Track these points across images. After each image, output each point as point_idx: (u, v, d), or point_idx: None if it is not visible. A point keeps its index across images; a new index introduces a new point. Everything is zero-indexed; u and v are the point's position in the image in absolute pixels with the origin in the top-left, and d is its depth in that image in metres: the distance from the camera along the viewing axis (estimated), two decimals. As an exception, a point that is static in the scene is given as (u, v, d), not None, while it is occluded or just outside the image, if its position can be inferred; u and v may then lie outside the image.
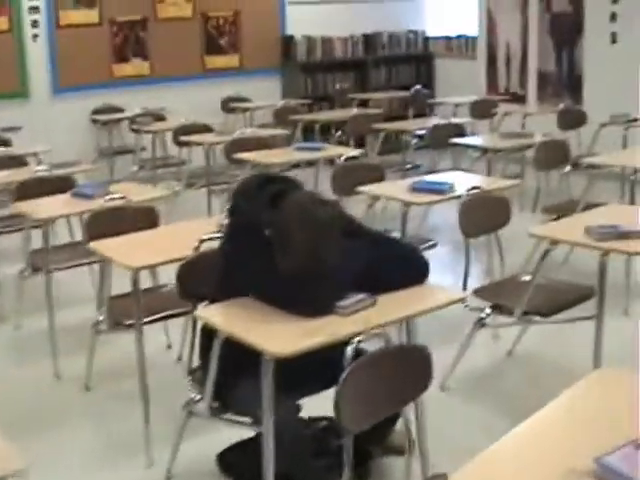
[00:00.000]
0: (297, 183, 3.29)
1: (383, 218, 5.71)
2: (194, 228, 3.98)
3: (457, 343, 4.33)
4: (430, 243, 5.15)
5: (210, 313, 3.01)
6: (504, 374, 4.55)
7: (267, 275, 2.94)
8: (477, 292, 4.22)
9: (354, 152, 5.97)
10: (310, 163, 7.13)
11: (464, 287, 4.38)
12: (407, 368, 2.62)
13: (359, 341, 2.67)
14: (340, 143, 8.54)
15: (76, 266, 4.88)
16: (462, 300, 3.00)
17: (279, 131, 8.15)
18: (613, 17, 8.99)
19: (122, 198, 4.70)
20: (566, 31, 9.45)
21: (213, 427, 3.59)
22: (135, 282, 3.69)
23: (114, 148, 9.38)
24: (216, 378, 3.09)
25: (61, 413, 4.30)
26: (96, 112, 9.45)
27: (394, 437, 3.50)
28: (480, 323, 4.17)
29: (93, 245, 3.97)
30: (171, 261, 3.67)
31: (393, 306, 2.94)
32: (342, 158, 5.74)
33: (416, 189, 4.65)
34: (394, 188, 4.77)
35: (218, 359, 3.01)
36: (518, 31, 9.95)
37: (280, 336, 2.75)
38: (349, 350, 2.66)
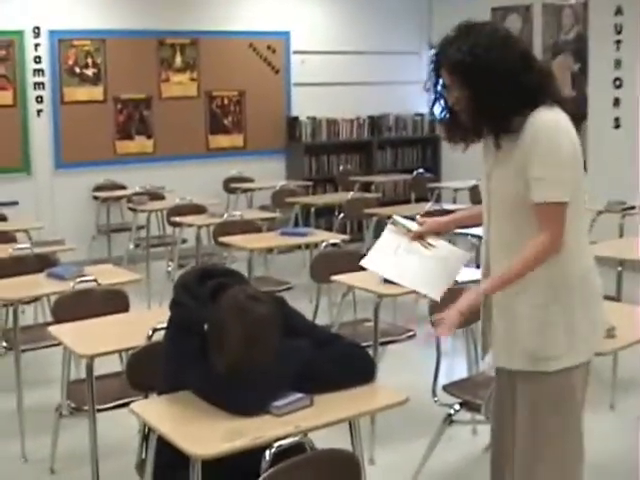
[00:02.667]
0: (239, 276, 3.24)
1: (361, 306, 5.65)
2: (163, 314, 3.92)
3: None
4: (408, 334, 5.07)
5: (143, 409, 2.95)
6: (478, 472, 4.40)
7: (202, 372, 2.88)
8: (446, 388, 4.12)
9: (337, 239, 5.91)
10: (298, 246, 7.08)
11: (435, 381, 4.28)
12: (332, 477, 2.53)
13: (279, 446, 2.56)
14: (342, 226, 8.58)
15: (45, 347, 4.80)
16: (403, 403, 2.89)
17: (269, 214, 8.17)
18: (617, 102, 9.00)
19: (93, 281, 4.65)
20: (570, 116, 9.40)
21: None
22: (89, 369, 3.64)
23: (112, 225, 9.40)
24: (156, 472, 3.00)
25: None
26: (97, 189, 9.49)
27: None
28: (449, 419, 4.06)
29: (52, 329, 3.93)
30: (125, 349, 3.62)
31: (330, 407, 2.86)
32: (323, 245, 5.68)
33: (389, 280, 4.56)
34: (369, 278, 4.69)
35: (157, 453, 2.93)
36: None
37: (205, 436, 2.68)
38: (267, 455, 2.56)
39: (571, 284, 2.89)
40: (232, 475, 2.76)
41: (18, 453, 4.66)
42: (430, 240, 3.24)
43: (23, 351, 4.79)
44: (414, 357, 5.63)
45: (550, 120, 2.78)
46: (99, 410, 3.82)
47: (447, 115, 2.97)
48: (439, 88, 2.95)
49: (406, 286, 3.29)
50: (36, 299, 5.78)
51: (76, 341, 3.78)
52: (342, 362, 3.01)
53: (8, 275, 5.04)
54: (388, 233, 3.31)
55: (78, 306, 4.39)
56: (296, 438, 2.62)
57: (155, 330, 3.53)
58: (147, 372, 3.34)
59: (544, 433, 2.93)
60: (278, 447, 2.57)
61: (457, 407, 4.02)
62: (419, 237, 3.26)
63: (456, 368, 5.12)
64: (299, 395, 2.85)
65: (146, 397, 3.41)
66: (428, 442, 4.18)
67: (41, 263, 5.32)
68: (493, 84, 2.77)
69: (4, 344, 5.09)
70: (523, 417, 2.98)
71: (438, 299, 3.12)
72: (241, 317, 2.82)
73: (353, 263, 5.27)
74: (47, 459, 4.50)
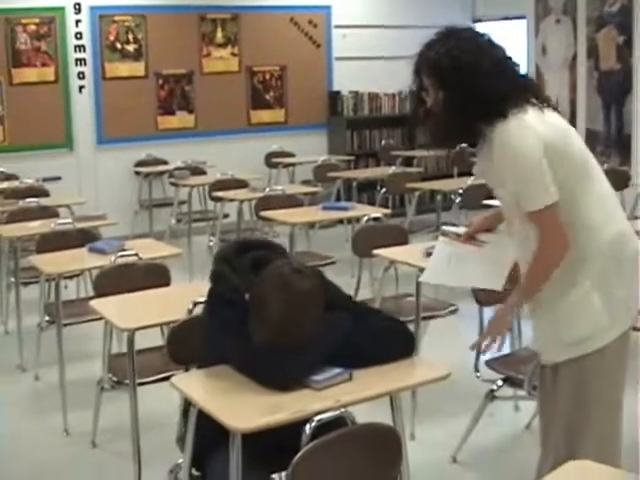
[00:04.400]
0: (281, 249, 3.21)
1: (403, 281, 5.60)
2: (205, 288, 3.91)
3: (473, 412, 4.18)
4: (450, 309, 5.02)
5: (184, 383, 2.93)
6: (520, 448, 4.36)
7: (242, 345, 2.86)
8: (489, 363, 4.06)
9: (378, 213, 5.86)
10: (341, 221, 7.05)
11: (477, 357, 4.24)
12: (372, 451, 2.49)
13: (319, 420, 2.53)
14: (383, 201, 8.53)
15: (86, 321, 4.82)
16: (445, 378, 2.85)
17: (311, 188, 8.12)
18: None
19: (134, 255, 4.65)
20: (615, 89, 9.29)
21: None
22: (130, 343, 3.64)
23: (154, 200, 9.41)
24: (196, 446, 2.99)
25: (65, 469, 4.31)
26: (139, 164, 9.52)
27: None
28: (491, 395, 4.01)
29: (93, 303, 3.93)
30: (166, 323, 3.61)
31: (370, 382, 2.82)
32: (365, 219, 5.63)
33: (432, 254, 4.52)
34: (410, 252, 4.64)
35: (197, 427, 2.92)
36: (566, 89, 9.80)
37: (245, 410, 2.66)
38: (307, 429, 2.53)
39: (601, 253, 2.86)
40: (272, 450, 2.74)
41: (60, 427, 4.69)
42: (481, 237, 3.29)
43: (65, 325, 4.81)
44: (456, 332, 5.57)
45: (512, 131, 2.80)
46: (140, 384, 3.83)
47: (427, 118, 3.02)
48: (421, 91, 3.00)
49: (470, 287, 3.57)
50: (78, 274, 5.79)
51: (117, 315, 3.78)
52: (381, 337, 2.96)
53: (50, 250, 5.08)
54: (440, 244, 3.41)
55: (119, 280, 4.39)
56: (336, 412, 2.59)
57: (196, 303, 3.50)
58: (188, 346, 3.33)
59: (587, 408, 2.89)
60: (319, 421, 2.54)
61: (500, 383, 3.98)
62: (470, 238, 3.29)
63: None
64: (338, 370, 2.81)
65: (187, 371, 3.40)
66: (469, 418, 4.16)
67: (83, 238, 5.33)
68: (464, 87, 2.83)
69: (47, 318, 5.11)
70: (566, 395, 2.93)
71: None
72: (285, 290, 2.79)
73: (395, 237, 5.29)
74: (89, 432, 4.52)
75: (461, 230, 3.38)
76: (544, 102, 2.92)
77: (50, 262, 4.80)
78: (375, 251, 4.83)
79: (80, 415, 4.67)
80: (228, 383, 2.84)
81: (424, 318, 4.71)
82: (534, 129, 2.81)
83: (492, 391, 4.00)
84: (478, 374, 4.12)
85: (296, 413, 2.55)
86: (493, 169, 2.91)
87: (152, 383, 3.96)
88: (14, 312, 5.85)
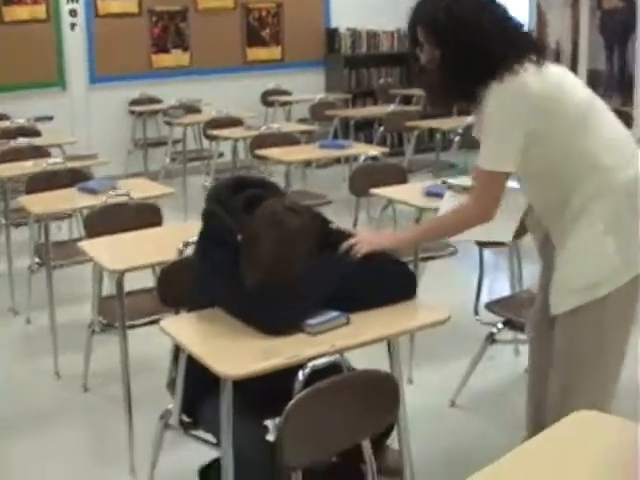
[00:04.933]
0: (276, 188, 3.08)
1: (402, 220, 5.49)
2: (197, 228, 3.80)
3: (473, 354, 4.09)
4: (450, 250, 4.91)
5: (173, 326, 2.81)
6: (520, 392, 4.25)
7: (234, 288, 2.74)
8: (489, 306, 3.96)
9: (376, 151, 5.72)
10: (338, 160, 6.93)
11: (477, 299, 4.14)
12: (368, 398, 2.39)
13: (314, 365, 2.42)
14: (381, 139, 8.40)
15: (77, 263, 4.72)
16: (445, 321, 2.74)
17: (307, 127, 7.97)
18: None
19: (125, 195, 4.53)
20: (618, 28, 9.08)
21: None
22: (119, 285, 3.53)
23: (149, 139, 9.26)
24: (187, 392, 2.91)
25: (56, 413, 4.23)
26: (133, 103, 9.36)
27: (388, 456, 3.26)
28: (491, 339, 3.92)
29: (82, 244, 3.81)
30: (157, 264, 3.51)
31: (367, 326, 2.70)
32: (362, 158, 5.50)
33: (431, 193, 4.40)
34: (409, 191, 4.52)
35: (187, 373, 2.84)
36: (568, 28, 9.59)
37: (236, 356, 2.55)
38: (300, 376, 2.42)
39: (614, 194, 2.73)
40: (264, 396, 2.65)
41: (51, 370, 4.61)
42: None
43: (55, 267, 4.71)
44: (455, 274, 5.48)
45: (504, 93, 2.66)
46: (130, 327, 3.73)
47: (421, 76, 2.90)
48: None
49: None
50: (69, 214, 5.67)
51: (106, 256, 3.67)
52: (382, 278, 2.84)
53: (40, 190, 4.95)
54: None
55: (110, 221, 4.28)
56: (331, 358, 2.48)
57: (187, 244, 3.39)
58: (178, 287, 3.22)
59: (587, 352, 2.79)
60: (312, 367, 2.43)
61: (500, 326, 3.89)
62: None
63: (499, 286, 4.96)
64: (335, 313, 2.70)
65: (177, 313, 3.29)
66: (468, 361, 4.07)
67: (74, 178, 5.18)
68: (462, 46, 2.71)
69: (37, 260, 5.01)
70: (569, 344, 2.83)
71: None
72: (276, 228, 2.67)
73: (393, 176, 5.16)
74: (80, 376, 4.44)
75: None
76: (545, 57, 2.77)
77: (39, 202, 4.67)
78: (373, 190, 4.71)
79: (71, 358, 4.58)
80: (219, 327, 2.73)
81: (422, 259, 4.59)
82: (527, 93, 2.67)
83: (492, 334, 3.91)
84: (478, 317, 4.03)
85: (290, 359, 2.44)
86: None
87: (143, 326, 3.86)
88: (5, 254, 5.74)
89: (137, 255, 3.71)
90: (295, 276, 2.68)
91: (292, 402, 2.26)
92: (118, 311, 3.59)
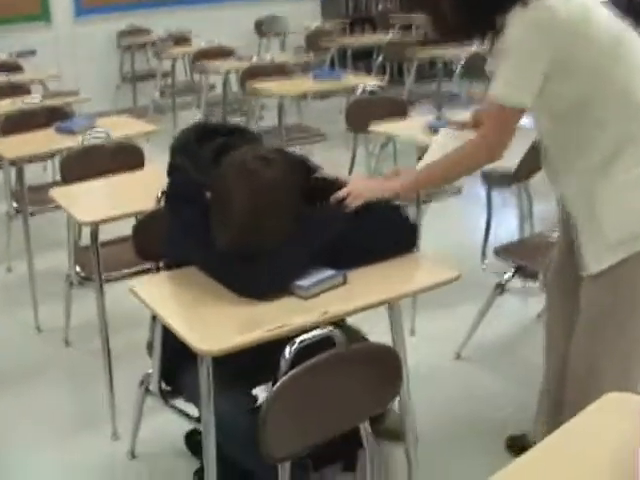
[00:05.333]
0: (252, 135, 2.74)
1: (403, 158, 5.17)
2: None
3: (480, 304, 3.79)
4: (453, 189, 4.59)
5: (145, 289, 2.48)
6: (529, 343, 3.99)
7: (207, 249, 2.43)
8: (498, 252, 3.66)
9: (375, 81, 5.37)
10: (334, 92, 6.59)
11: (485, 244, 3.84)
12: (366, 377, 2.08)
13: (302, 341, 2.11)
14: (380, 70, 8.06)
15: (54, 209, 4.41)
16: (453, 280, 2.44)
17: (302, 57, 7.60)
18: None
19: (104, 135, 4.20)
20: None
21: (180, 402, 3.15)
22: (94, 237, 3.23)
23: (138, 73, 8.89)
24: (165, 359, 2.64)
25: (37, 369, 4.00)
26: (121, 35, 8.96)
27: (390, 419, 3.00)
28: (500, 289, 3.63)
29: (53, 192, 3.49)
30: (133, 214, 3.19)
31: (365, 287, 2.39)
32: (360, 89, 5.15)
33: (434, 128, 4.07)
34: (410, 126, 4.20)
35: (164, 338, 2.56)
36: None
37: (215, 328, 2.23)
38: (286, 353, 2.10)
39: None
40: (253, 361, 2.35)
41: (32, 323, 4.38)
42: None
43: (32, 214, 4.40)
44: (460, 216, 5.16)
45: (527, 14, 2.30)
46: (108, 280, 3.46)
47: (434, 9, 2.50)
48: None
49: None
50: (50, 155, 5.34)
51: (79, 205, 3.36)
52: (378, 229, 2.54)
53: (16, 131, 4.61)
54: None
55: (87, 164, 3.97)
56: (324, 330, 2.14)
57: (164, 192, 3.08)
58: (155, 239, 2.89)
59: (616, 318, 2.48)
60: (300, 342, 2.11)
61: (510, 274, 3.59)
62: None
63: (507, 229, 4.60)
64: (329, 272, 2.39)
65: (157, 270, 2.99)
66: (475, 311, 3.79)
67: (52, 117, 4.86)
68: None
69: (15, 205, 4.71)
70: (598, 308, 2.51)
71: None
72: (246, 181, 2.33)
73: (393, 110, 4.83)
74: (61, 329, 4.20)
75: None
76: None
77: (13, 145, 4.35)
78: (371, 127, 4.38)
79: (51, 311, 4.33)
80: (196, 291, 2.41)
81: (425, 201, 4.27)
82: (555, 16, 2.30)
83: (501, 284, 3.61)
84: (485, 264, 3.74)
85: (274, 330, 2.13)
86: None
87: (122, 279, 3.57)
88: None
89: (114, 203, 3.41)
90: (274, 236, 2.37)
91: (279, 383, 1.95)
92: (94, 265, 3.29)
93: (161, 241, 2.71)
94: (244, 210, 2.32)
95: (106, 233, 3.44)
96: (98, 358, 3.69)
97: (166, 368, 2.69)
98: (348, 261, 2.45)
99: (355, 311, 2.31)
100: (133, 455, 3.26)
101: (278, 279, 2.36)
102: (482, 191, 3.95)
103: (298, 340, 2.09)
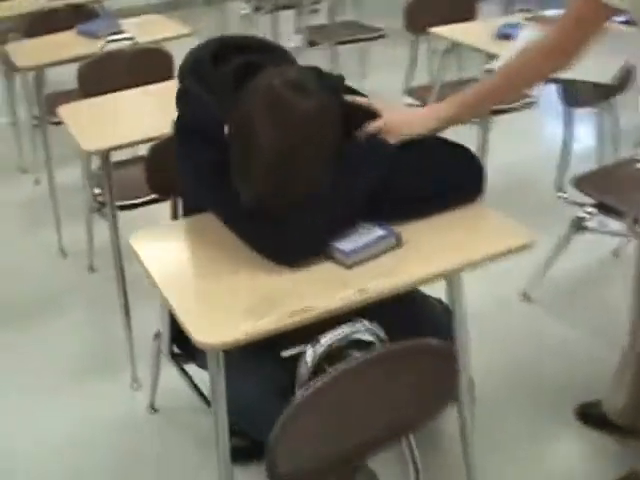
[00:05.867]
0: (284, 54, 2.15)
1: (469, 66, 4.59)
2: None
3: (548, 238, 3.27)
4: (527, 100, 4.01)
5: (145, 249, 1.99)
6: (604, 282, 3.50)
7: (227, 201, 1.93)
8: (577, 183, 3.13)
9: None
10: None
11: (561, 170, 3.30)
12: (412, 383, 1.60)
13: (322, 345, 1.61)
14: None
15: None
16: (525, 247, 1.94)
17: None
18: None
19: (129, 39, 3.72)
20: None
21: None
22: (106, 164, 2.78)
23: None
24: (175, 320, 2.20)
25: (59, 298, 3.71)
26: None
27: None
28: (578, 225, 3.13)
29: (60, 111, 3.03)
30: (148, 140, 2.73)
31: (423, 252, 1.87)
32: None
33: (504, 35, 3.53)
34: (477, 32, 3.64)
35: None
36: None
37: (226, 314, 1.72)
38: (308, 358, 1.61)
39: None
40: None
41: (55, 247, 4.05)
42: None
43: (57, 123, 3.97)
44: (533, 132, 4.58)
45: None
46: (122, 207, 3.10)
47: None
48: None
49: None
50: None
51: (88, 128, 2.87)
52: (440, 172, 2.02)
53: (39, 34, 4.15)
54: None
55: (107, 74, 3.52)
56: (355, 328, 1.65)
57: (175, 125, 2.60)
58: (171, 172, 2.44)
59: None
60: (324, 346, 1.62)
61: (590, 209, 3.08)
62: None
63: (586, 151, 4.02)
64: (380, 231, 1.88)
65: (174, 206, 2.57)
66: (546, 246, 3.28)
67: (77, 17, 4.37)
68: None
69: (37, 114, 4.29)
70: None
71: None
72: (275, 114, 1.78)
73: (459, 10, 4.27)
74: (85, 254, 3.89)
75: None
76: None
77: (32, 50, 3.91)
78: (432, 29, 3.83)
79: (75, 234, 3.99)
80: (206, 252, 1.94)
81: (493, 112, 3.71)
82: None
83: (580, 220, 3.11)
84: (560, 194, 3.22)
85: (294, 315, 1.63)
86: None
87: (140, 206, 3.20)
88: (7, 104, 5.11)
89: (131, 125, 2.91)
90: (311, 184, 1.84)
91: (294, 401, 1.48)
92: (106, 194, 2.84)
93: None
94: (274, 152, 1.78)
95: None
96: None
97: (177, 330, 2.26)
98: (394, 213, 1.96)
99: (404, 287, 1.79)
100: (153, 408, 2.93)
101: (314, 242, 1.87)
102: (560, 106, 3.39)
103: (323, 340, 1.61)
